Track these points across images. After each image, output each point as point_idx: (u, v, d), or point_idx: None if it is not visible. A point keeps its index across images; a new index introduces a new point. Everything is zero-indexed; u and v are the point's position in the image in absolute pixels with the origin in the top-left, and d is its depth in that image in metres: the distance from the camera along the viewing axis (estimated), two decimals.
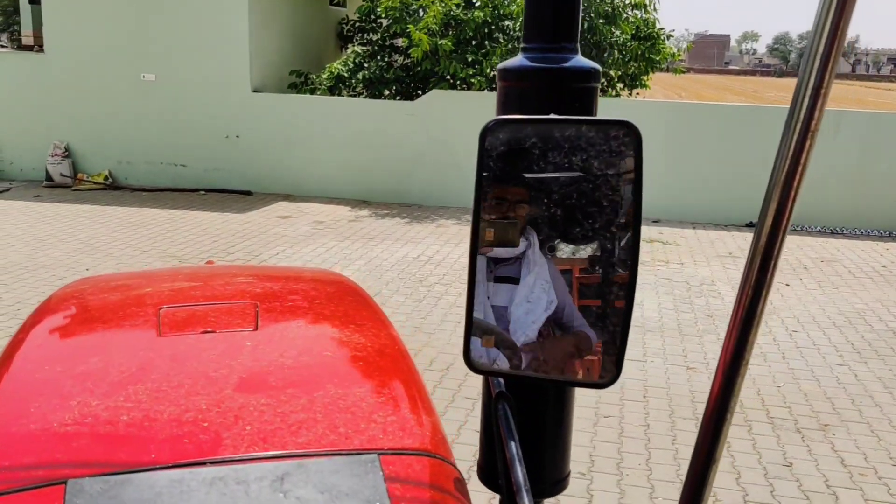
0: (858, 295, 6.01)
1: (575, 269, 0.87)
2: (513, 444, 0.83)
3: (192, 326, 1.19)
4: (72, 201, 8.53)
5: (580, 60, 0.90)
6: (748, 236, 7.79)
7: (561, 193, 0.82)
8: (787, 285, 6.17)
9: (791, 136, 0.65)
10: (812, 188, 8.07)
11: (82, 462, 0.84)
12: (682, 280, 6.21)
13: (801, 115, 0.63)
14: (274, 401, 0.98)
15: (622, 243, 0.85)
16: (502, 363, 0.83)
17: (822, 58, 0.58)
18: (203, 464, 0.83)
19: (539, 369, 0.83)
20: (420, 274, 6.11)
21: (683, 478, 2.72)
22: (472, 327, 0.81)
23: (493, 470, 0.99)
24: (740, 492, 3.17)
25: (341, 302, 1.41)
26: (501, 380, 0.93)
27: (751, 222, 8.23)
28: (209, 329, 1.18)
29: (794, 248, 7.41)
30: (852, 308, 5.67)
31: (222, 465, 0.83)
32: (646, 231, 7.92)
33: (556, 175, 0.81)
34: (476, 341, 0.82)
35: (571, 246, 0.87)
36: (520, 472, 0.79)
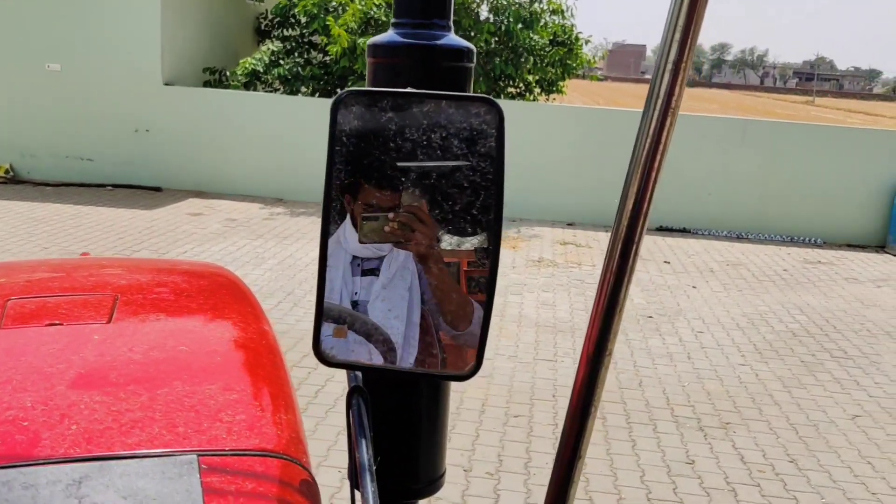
0: (761, 297, 6.22)
1: (463, 262, 0.84)
2: (363, 441, 0.78)
3: (39, 319, 1.10)
4: None
5: (453, 38, 0.86)
6: (658, 239, 7.98)
7: (423, 177, 0.78)
8: (694, 287, 6.34)
9: (651, 114, 0.63)
10: (719, 194, 8.34)
11: None
12: (593, 281, 6.30)
13: (661, 92, 0.61)
14: (110, 398, 0.91)
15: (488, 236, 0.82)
16: (357, 355, 0.78)
17: (682, 31, 0.56)
18: None
19: (397, 361, 0.79)
20: None
21: (590, 476, 2.77)
22: (322, 315, 0.76)
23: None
24: (644, 489, 3.22)
25: (213, 295, 1.34)
26: (359, 374, 0.88)
27: (661, 226, 8.43)
28: (56, 322, 1.09)
29: (701, 252, 7.62)
30: (755, 310, 5.86)
31: (10, 469, 0.75)
32: (559, 233, 8.02)
33: (417, 159, 0.77)
34: (328, 331, 0.77)
35: (457, 237, 0.83)
36: (367, 465, 0.75)
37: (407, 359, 0.78)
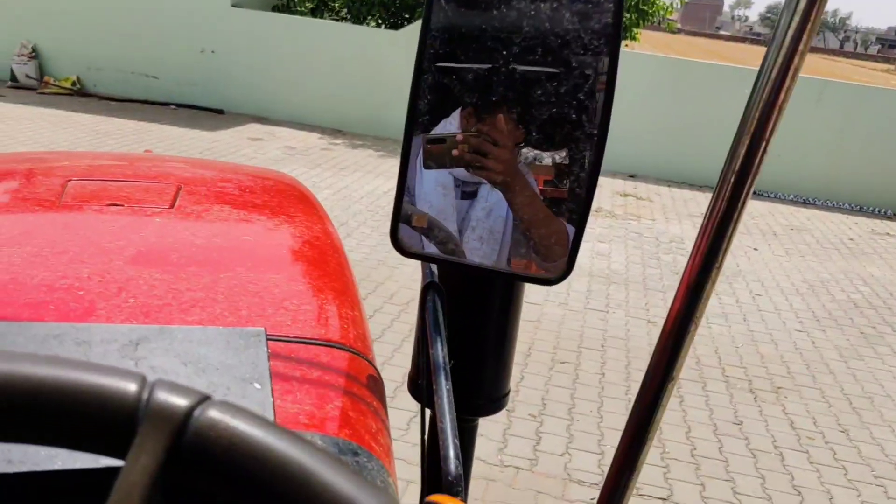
0: (824, 265, 6.02)
1: (539, 180, 0.78)
2: (437, 337, 0.73)
3: (100, 199, 1.07)
4: (36, 104, 8.23)
5: None
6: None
7: (527, 87, 0.72)
8: (756, 249, 6.17)
9: (769, 72, 0.57)
10: (789, 156, 8.04)
11: None
12: (651, 236, 6.17)
13: (778, 62, 0.55)
14: (170, 277, 0.87)
15: (589, 153, 0.76)
16: (435, 248, 0.73)
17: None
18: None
19: (480, 257, 0.73)
20: (389, 208, 5.99)
21: None
22: (402, 205, 0.71)
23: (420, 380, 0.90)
24: (688, 445, 3.17)
25: (278, 194, 1.30)
26: (435, 269, 0.83)
27: None
28: (117, 202, 1.06)
29: (765, 214, 7.40)
30: (817, 277, 5.68)
31: (63, 323, 0.71)
32: (620, 185, 7.86)
33: (522, 66, 0.71)
34: (405, 223, 0.73)
35: (536, 151, 0.78)
36: (441, 366, 0.70)
37: (488, 256, 0.73)
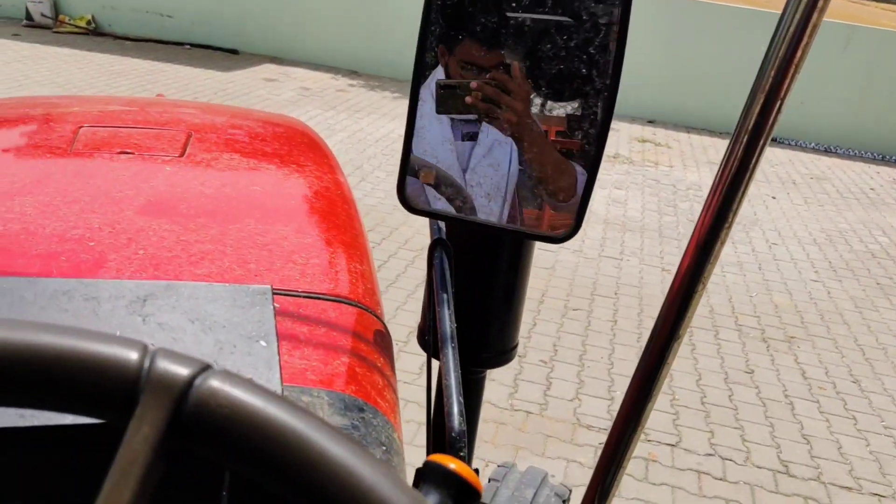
0: (843, 214, 5.95)
1: (551, 131, 0.77)
2: (444, 294, 0.73)
3: (110, 147, 1.07)
4: (51, 43, 8.18)
5: None
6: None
7: (536, 38, 0.70)
8: (774, 198, 6.10)
9: (781, 42, 0.55)
10: (812, 103, 7.89)
11: None
12: (669, 183, 6.11)
13: (796, 18, 0.53)
14: (179, 228, 0.87)
15: (601, 103, 0.74)
16: (443, 205, 0.72)
17: None
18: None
19: (487, 214, 0.73)
20: None
21: None
22: (409, 160, 0.70)
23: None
24: (698, 393, 3.18)
25: (288, 142, 1.29)
26: (443, 226, 0.83)
27: None
28: (128, 151, 1.06)
29: (785, 162, 7.30)
30: (835, 227, 5.62)
31: (71, 279, 0.72)
32: (638, 130, 7.76)
33: (532, 15, 0.69)
34: (413, 178, 0.72)
35: (550, 102, 0.76)
36: (447, 324, 0.70)
37: (496, 213, 0.72)
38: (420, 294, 3.65)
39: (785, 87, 0.58)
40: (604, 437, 2.80)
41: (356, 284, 0.89)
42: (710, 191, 0.64)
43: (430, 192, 0.73)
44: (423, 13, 0.67)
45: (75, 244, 0.79)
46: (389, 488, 0.29)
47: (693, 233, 0.65)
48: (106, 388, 0.28)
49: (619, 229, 4.95)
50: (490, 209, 0.73)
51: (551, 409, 2.94)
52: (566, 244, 4.26)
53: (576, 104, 0.74)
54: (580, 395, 3.06)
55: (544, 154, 0.74)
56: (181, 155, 1.07)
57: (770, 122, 0.59)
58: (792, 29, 0.56)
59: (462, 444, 0.60)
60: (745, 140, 0.61)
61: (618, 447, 0.75)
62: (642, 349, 2.86)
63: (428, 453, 0.73)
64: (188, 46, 8.82)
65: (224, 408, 0.29)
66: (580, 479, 2.58)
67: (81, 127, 1.12)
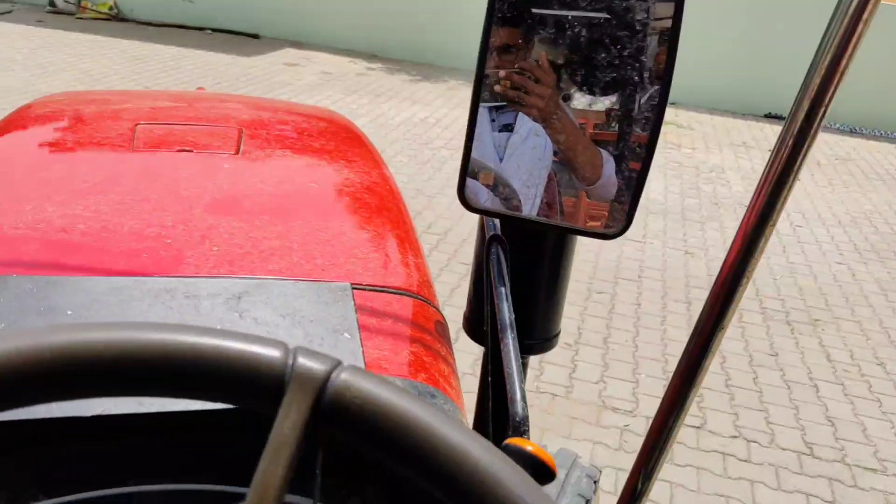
0: (868, 196, 5.91)
1: (589, 124, 0.80)
2: (502, 288, 0.76)
3: (169, 145, 1.11)
4: (75, 29, 8.25)
5: None
6: (765, 127, 7.60)
7: (579, 35, 0.72)
8: (798, 180, 6.06)
9: (846, 10, 0.56)
10: None
11: (24, 264, 0.78)
12: (692, 165, 6.09)
13: None
14: (247, 225, 0.91)
15: (644, 100, 0.77)
16: (499, 204, 0.76)
17: None
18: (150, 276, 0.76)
19: (541, 213, 0.76)
20: (426, 136, 5.98)
21: (668, 357, 2.72)
22: (469, 161, 0.74)
23: (479, 321, 0.93)
24: (723, 376, 3.20)
25: (333, 137, 1.32)
26: (497, 223, 0.86)
27: (769, 113, 8.01)
28: (186, 148, 1.10)
29: None
30: (860, 209, 5.58)
31: (172, 278, 0.76)
32: None
33: (577, 13, 0.72)
34: (473, 180, 0.75)
35: (588, 97, 0.78)
36: (507, 315, 0.73)
37: (552, 212, 0.76)
38: (445, 278, 3.68)
39: (841, 69, 0.59)
40: (629, 419, 2.83)
41: (414, 277, 0.93)
42: (762, 175, 0.66)
43: (488, 192, 0.76)
44: (487, 11, 0.70)
45: (154, 242, 0.84)
46: (499, 468, 0.32)
47: (740, 226, 0.67)
48: (260, 382, 0.33)
49: (642, 212, 4.95)
50: (539, 206, 0.76)
51: (577, 391, 2.97)
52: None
53: (614, 98, 0.77)
54: (605, 377, 3.08)
55: (574, 137, 0.76)
56: (237, 152, 1.11)
57: (826, 104, 0.61)
58: (853, 8, 0.57)
59: (526, 428, 0.63)
60: (798, 125, 0.62)
61: (661, 432, 0.78)
62: (667, 331, 2.87)
63: (491, 438, 0.77)
64: (210, 31, 8.86)
65: (357, 398, 0.33)
66: (606, 461, 2.61)
67: (138, 124, 1.16)
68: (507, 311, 0.74)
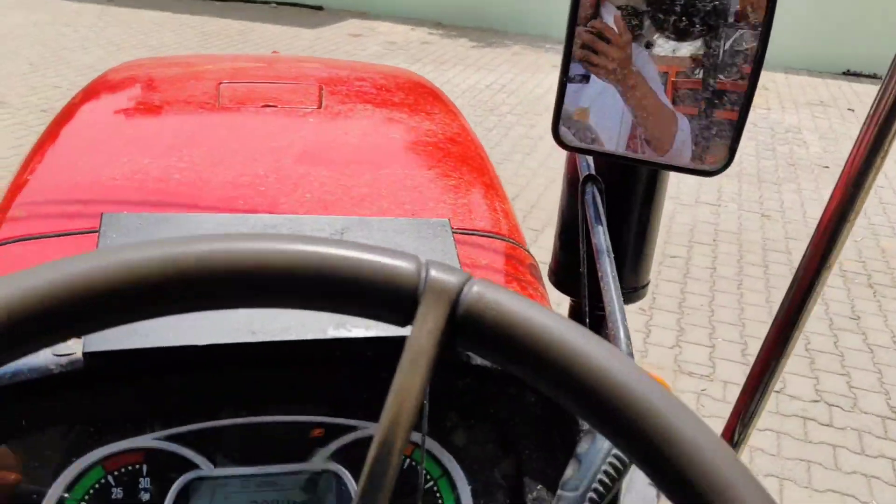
0: None
1: (672, 71, 0.78)
2: (600, 227, 0.75)
3: (253, 101, 1.13)
4: (144, 7, 8.41)
5: None
6: (843, 84, 7.32)
7: None
8: (852, 110, 5.83)
9: None
10: None
11: (131, 204, 0.81)
12: (766, 126, 5.91)
13: None
14: (337, 174, 0.92)
15: (728, 44, 0.75)
16: (592, 142, 0.75)
17: None
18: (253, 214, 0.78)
19: (639, 150, 0.75)
20: (492, 102, 5.94)
21: (745, 321, 2.69)
22: (563, 100, 0.73)
23: (567, 271, 0.92)
24: (802, 339, 3.13)
25: (412, 92, 1.33)
26: (591, 164, 0.85)
27: (848, 70, 7.70)
28: (270, 104, 1.12)
29: None
30: None
31: (275, 215, 0.77)
32: None
33: None
34: (567, 116, 0.74)
35: (672, 43, 0.77)
36: (606, 254, 0.73)
37: (651, 148, 0.74)
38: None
39: None
40: (706, 384, 2.79)
41: (504, 221, 0.93)
42: (863, 125, 0.64)
43: (582, 129, 0.75)
44: None
45: (248, 189, 0.86)
46: (637, 378, 0.32)
47: (846, 163, 0.65)
48: (395, 294, 0.33)
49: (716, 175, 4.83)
50: (636, 143, 0.75)
51: (651, 356, 2.94)
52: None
53: (699, 43, 0.75)
54: (680, 342, 3.04)
55: (647, 100, 0.75)
56: (319, 106, 1.13)
57: None
58: None
59: None
60: None
61: (761, 378, 0.77)
62: (744, 295, 2.82)
63: None
64: (274, 5, 8.94)
65: (492, 310, 0.33)
66: None
67: (221, 83, 1.18)
68: (606, 251, 0.73)
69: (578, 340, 0.32)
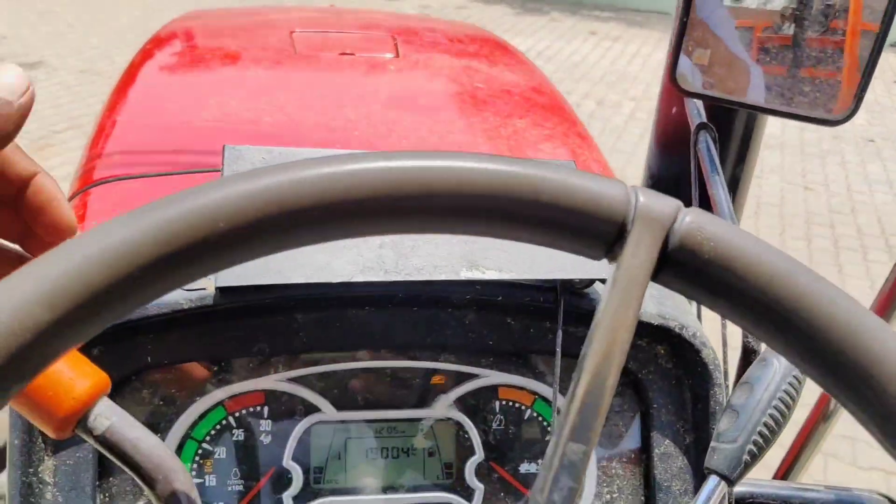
0: None
1: (757, 27, 0.76)
2: (716, 176, 0.74)
3: (329, 49, 1.12)
4: None
5: None
6: (889, 56, 7.13)
7: None
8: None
9: None
10: None
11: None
12: None
13: None
14: (428, 119, 0.91)
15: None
16: (712, 88, 0.73)
17: None
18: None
19: (760, 98, 0.73)
20: None
21: None
22: (682, 41, 0.70)
23: None
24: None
25: (485, 44, 1.32)
26: (703, 111, 0.82)
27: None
28: (348, 52, 1.11)
29: None
30: None
31: (371, 152, 0.77)
32: None
33: None
34: (685, 59, 0.72)
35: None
36: (725, 203, 0.71)
37: (767, 96, 0.72)
38: None
39: None
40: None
41: (595, 165, 0.92)
42: None
43: (700, 74, 0.73)
44: None
45: (343, 133, 0.85)
46: (875, 325, 0.28)
47: None
48: (605, 220, 0.30)
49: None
50: (761, 90, 0.72)
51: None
52: None
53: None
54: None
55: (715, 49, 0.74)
56: (396, 56, 1.11)
57: None
58: None
59: None
60: None
61: None
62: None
63: None
64: None
65: (710, 241, 0.30)
66: None
67: (293, 32, 1.17)
68: (724, 200, 0.71)
69: (810, 282, 0.29)
